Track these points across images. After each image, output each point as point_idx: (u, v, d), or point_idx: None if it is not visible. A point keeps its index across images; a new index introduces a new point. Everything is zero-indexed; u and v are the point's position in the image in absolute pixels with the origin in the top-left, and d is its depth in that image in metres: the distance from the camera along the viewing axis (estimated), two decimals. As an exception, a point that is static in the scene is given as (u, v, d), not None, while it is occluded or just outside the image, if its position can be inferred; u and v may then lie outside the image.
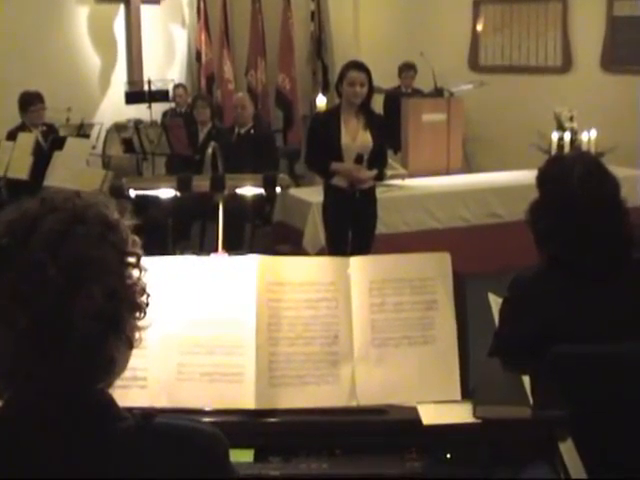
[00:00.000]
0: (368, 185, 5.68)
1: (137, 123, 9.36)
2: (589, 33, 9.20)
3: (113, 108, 10.44)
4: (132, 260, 1.37)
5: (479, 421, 2.05)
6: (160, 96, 10.33)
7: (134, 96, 10.37)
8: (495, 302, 2.94)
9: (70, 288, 1.28)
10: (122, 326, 1.34)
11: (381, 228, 6.21)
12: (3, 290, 1.27)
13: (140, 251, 1.40)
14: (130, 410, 1.38)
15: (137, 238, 1.40)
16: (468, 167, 9.29)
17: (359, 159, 5.53)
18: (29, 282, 1.27)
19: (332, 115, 5.67)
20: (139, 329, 1.38)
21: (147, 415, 1.36)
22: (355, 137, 5.56)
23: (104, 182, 6.36)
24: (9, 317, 1.27)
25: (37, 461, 1.30)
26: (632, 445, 2.34)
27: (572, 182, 2.54)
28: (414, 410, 2.12)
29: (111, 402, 1.37)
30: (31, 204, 1.34)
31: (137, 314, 1.37)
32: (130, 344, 1.37)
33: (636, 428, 2.34)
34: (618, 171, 3.19)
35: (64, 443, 1.30)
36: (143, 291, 1.39)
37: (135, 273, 1.37)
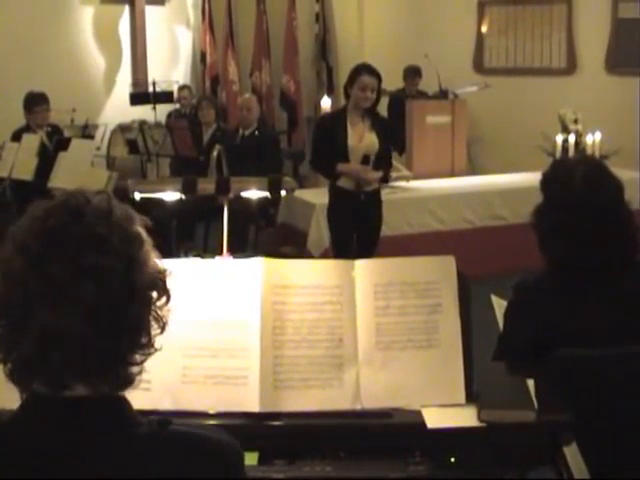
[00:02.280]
0: (373, 187, 5.69)
1: (141, 124, 9.36)
2: (594, 35, 9.19)
3: (118, 109, 10.45)
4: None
5: (483, 425, 2.05)
6: (164, 97, 10.34)
7: (139, 97, 10.37)
8: (498, 305, 2.94)
9: (131, 257, 1.32)
10: (157, 306, 1.38)
11: (385, 230, 6.20)
12: (63, 267, 1.28)
13: (154, 250, 1.42)
14: (146, 416, 1.39)
15: (150, 239, 1.42)
16: (472, 169, 9.28)
17: (366, 160, 5.54)
18: (94, 254, 1.28)
19: (338, 117, 5.68)
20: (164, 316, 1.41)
21: (163, 422, 1.37)
22: (361, 138, 5.57)
23: (108, 183, 6.37)
24: (73, 294, 1.27)
25: (52, 464, 1.30)
26: (636, 448, 2.34)
27: (574, 184, 2.55)
28: (418, 413, 2.12)
29: (128, 407, 1.38)
30: (62, 197, 1.36)
31: (164, 299, 1.40)
32: (163, 326, 1.40)
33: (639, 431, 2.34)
34: (622, 173, 3.20)
35: (80, 447, 1.31)
36: (166, 279, 1.42)
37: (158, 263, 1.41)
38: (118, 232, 1.32)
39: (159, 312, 1.39)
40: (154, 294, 1.38)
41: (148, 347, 1.37)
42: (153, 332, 1.38)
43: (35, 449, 1.31)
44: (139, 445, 1.34)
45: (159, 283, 1.39)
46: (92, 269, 1.28)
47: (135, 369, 1.36)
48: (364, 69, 5.55)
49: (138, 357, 1.36)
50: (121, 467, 1.32)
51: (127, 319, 1.31)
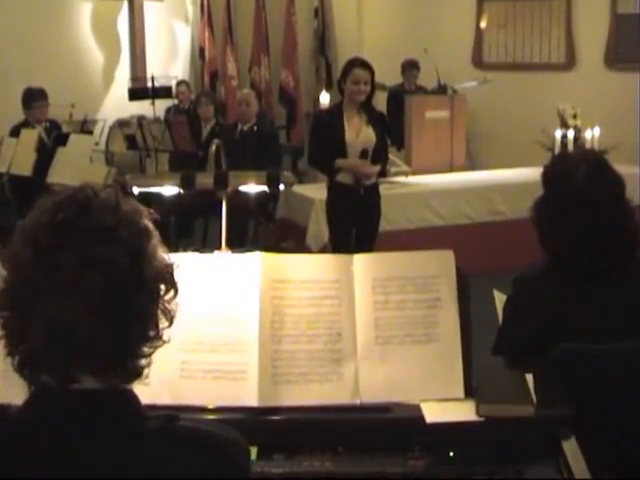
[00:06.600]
0: (372, 181, 5.68)
1: (140, 119, 9.35)
2: (593, 30, 9.18)
3: (116, 104, 10.44)
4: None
5: (482, 419, 2.05)
6: (163, 92, 10.32)
7: (137, 92, 10.36)
8: (500, 299, 2.94)
9: (139, 249, 1.32)
10: (165, 299, 1.39)
11: (384, 225, 6.20)
12: (70, 259, 1.28)
13: (161, 244, 1.43)
14: (153, 410, 1.39)
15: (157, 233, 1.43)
16: (471, 164, 9.28)
17: (364, 154, 5.54)
18: (101, 245, 1.29)
19: (334, 112, 5.68)
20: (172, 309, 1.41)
21: (170, 417, 1.37)
22: (358, 133, 5.57)
23: (107, 178, 6.37)
24: (79, 285, 1.27)
25: (60, 458, 1.30)
26: (635, 444, 2.34)
27: (576, 180, 2.54)
28: (417, 408, 2.11)
29: (136, 401, 1.38)
30: (70, 191, 1.37)
31: (172, 293, 1.40)
32: (171, 319, 1.40)
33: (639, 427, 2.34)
34: (621, 169, 3.19)
35: (88, 440, 1.31)
36: (173, 273, 1.42)
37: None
38: (126, 224, 1.33)
39: (167, 305, 1.39)
40: (162, 287, 1.38)
41: (156, 340, 1.38)
42: (161, 325, 1.39)
43: (44, 442, 1.31)
44: (148, 439, 1.35)
45: (166, 276, 1.39)
46: (99, 260, 1.28)
47: (143, 361, 1.37)
48: (357, 63, 5.57)
49: (146, 349, 1.37)
50: (129, 460, 1.32)
51: (134, 311, 1.32)
